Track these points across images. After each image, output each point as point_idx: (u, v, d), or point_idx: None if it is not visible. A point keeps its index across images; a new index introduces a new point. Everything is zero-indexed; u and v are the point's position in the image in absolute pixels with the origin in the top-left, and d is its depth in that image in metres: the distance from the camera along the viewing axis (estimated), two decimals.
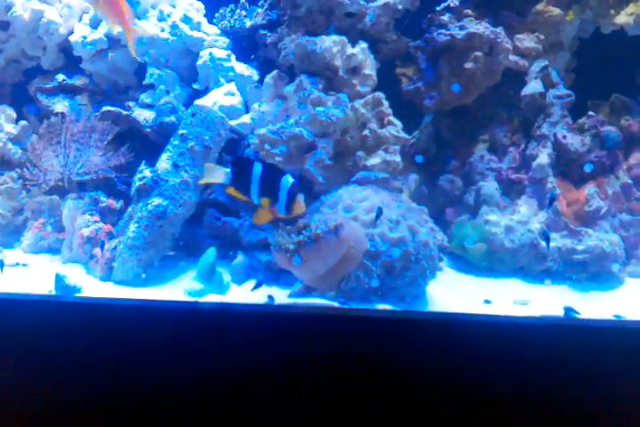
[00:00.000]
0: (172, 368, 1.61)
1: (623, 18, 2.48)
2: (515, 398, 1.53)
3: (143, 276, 2.17)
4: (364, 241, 1.97)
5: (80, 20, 2.82)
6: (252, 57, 2.84)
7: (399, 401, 1.55)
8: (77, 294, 2.03)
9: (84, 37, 2.70)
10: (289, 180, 1.82)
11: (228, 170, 1.87)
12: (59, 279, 2.01)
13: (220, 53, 2.68)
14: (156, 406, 1.57)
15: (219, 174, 1.88)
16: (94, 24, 2.75)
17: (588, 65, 2.82)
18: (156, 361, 1.62)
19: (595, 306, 2.04)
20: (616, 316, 1.89)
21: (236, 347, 1.60)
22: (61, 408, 1.60)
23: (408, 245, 1.98)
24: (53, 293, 2.03)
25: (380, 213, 1.94)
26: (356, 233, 1.95)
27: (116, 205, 2.45)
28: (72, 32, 2.77)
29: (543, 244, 2.19)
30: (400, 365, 1.56)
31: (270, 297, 1.89)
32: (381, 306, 1.94)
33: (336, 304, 1.88)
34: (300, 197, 1.82)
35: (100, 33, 2.72)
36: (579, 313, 1.77)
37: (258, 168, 1.84)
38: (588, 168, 2.25)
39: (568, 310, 1.76)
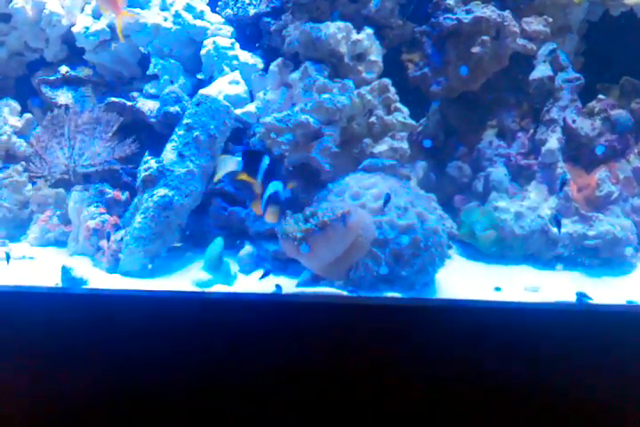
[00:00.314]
0: (180, 359, 1.60)
1: None
2: (530, 387, 1.51)
3: (150, 267, 2.15)
4: (372, 229, 1.94)
5: (82, 10, 2.79)
6: (257, 45, 2.81)
7: (409, 388, 1.54)
8: (84, 287, 2.02)
9: (87, 28, 2.68)
10: (276, 184, 1.85)
11: (239, 158, 1.91)
12: (65, 272, 2.00)
13: (224, 42, 2.65)
14: (159, 399, 1.55)
15: (230, 163, 1.90)
16: (97, 15, 2.73)
17: (598, 48, 2.78)
18: (163, 353, 1.61)
19: (607, 291, 2.02)
20: (629, 301, 1.86)
21: (243, 336, 1.58)
22: (67, 403, 1.59)
23: (417, 233, 1.95)
24: (60, 285, 2.02)
25: (387, 199, 1.91)
26: (364, 221, 1.93)
27: (122, 196, 2.43)
28: (74, 23, 2.75)
29: (554, 229, 2.16)
30: (409, 352, 1.54)
31: (278, 286, 1.87)
32: (390, 294, 1.92)
33: (345, 293, 1.86)
34: (275, 209, 1.82)
35: (102, 24, 2.69)
36: (591, 298, 1.75)
37: (265, 161, 1.89)
38: (599, 151, 2.21)
39: (581, 295, 1.74)
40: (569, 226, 2.21)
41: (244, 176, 1.91)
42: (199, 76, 2.77)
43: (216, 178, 1.97)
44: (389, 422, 1.53)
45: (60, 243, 2.51)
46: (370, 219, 1.95)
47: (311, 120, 2.22)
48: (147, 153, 2.34)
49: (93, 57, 2.74)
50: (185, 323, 1.61)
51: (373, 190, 2.03)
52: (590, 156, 2.37)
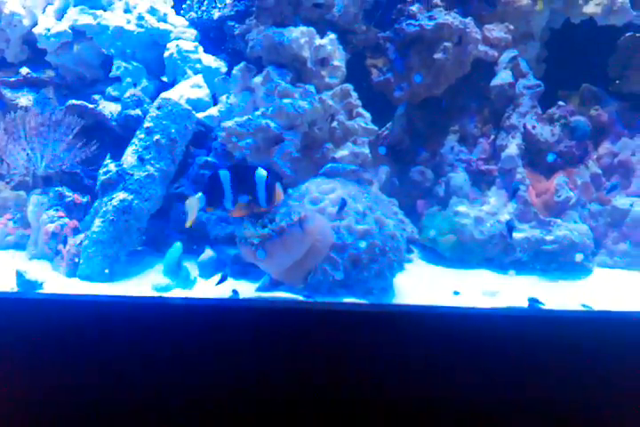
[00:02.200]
0: (132, 364, 1.59)
1: (591, 8, 2.47)
2: (480, 392, 1.52)
3: (107, 271, 2.13)
4: (331, 234, 1.95)
5: (44, 11, 2.76)
6: (222, 48, 2.80)
7: (364, 395, 1.54)
8: (39, 290, 1.99)
9: (48, 29, 2.65)
10: (262, 173, 1.85)
11: (199, 194, 1.89)
12: (19, 275, 1.97)
13: (187, 45, 2.64)
14: (107, 401, 1.54)
15: (194, 202, 1.89)
16: (59, 16, 2.70)
17: (560, 55, 2.82)
18: (115, 357, 1.59)
19: (563, 296, 2.04)
20: (583, 305, 1.89)
21: (197, 341, 1.57)
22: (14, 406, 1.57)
23: (375, 238, 1.96)
24: (16, 289, 2.00)
25: (343, 204, 1.92)
26: (322, 226, 1.93)
27: (82, 199, 2.40)
28: (36, 24, 2.71)
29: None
30: (363, 357, 1.54)
31: (234, 291, 1.86)
32: (348, 299, 1.93)
33: (301, 298, 1.86)
34: (279, 186, 1.88)
35: (64, 25, 2.66)
36: (543, 304, 1.77)
37: (225, 175, 1.87)
38: (550, 158, 2.24)
39: (533, 301, 1.76)
40: (527, 231, 2.24)
41: (209, 209, 1.94)
42: (164, 79, 2.75)
43: (187, 224, 1.95)
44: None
45: (19, 246, 2.47)
46: (328, 224, 1.95)
47: (272, 125, 2.22)
48: (108, 156, 2.31)
49: (55, 58, 2.71)
50: (139, 326, 1.60)
51: (332, 195, 2.04)
52: (549, 161, 2.40)
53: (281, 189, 1.90)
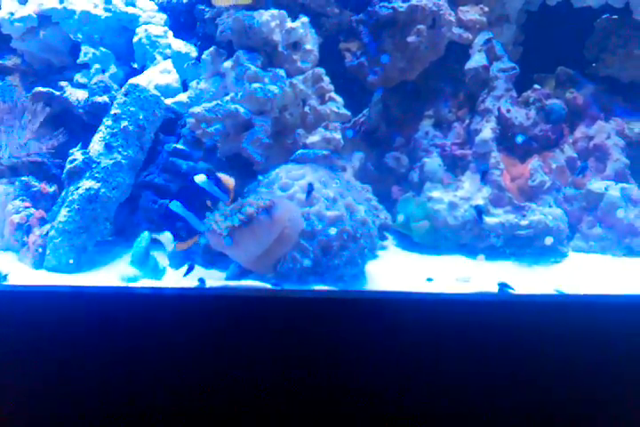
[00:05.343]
0: (101, 356, 1.55)
1: None
2: (457, 380, 1.50)
3: (71, 262, 2.08)
4: (300, 220, 1.91)
5: None
6: (193, 32, 2.74)
7: (334, 386, 1.51)
8: (2, 282, 1.94)
9: (12, 14, 2.58)
10: (201, 178, 1.87)
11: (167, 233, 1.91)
12: None
13: (157, 30, 2.58)
14: (69, 398, 1.51)
15: (167, 241, 1.91)
16: (22, 0, 2.62)
17: (537, 38, 2.78)
18: (83, 350, 1.56)
19: (537, 281, 2.03)
20: (557, 290, 1.87)
21: (163, 332, 1.54)
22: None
23: (345, 224, 1.92)
24: None
25: (310, 190, 1.88)
26: (291, 212, 1.89)
27: (49, 189, 2.35)
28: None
29: (485, 219, 2.16)
30: (332, 345, 1.52)
31: (201, 280, 1.83)
32: (319, 286, 1.89)
33: (269, 286, 1.82)
34: (222, 174, 1.90)
35: (29, 9, 2.59)
36: (513, 289, 1.75)
37: (176, 205, 1.89)
38: (519, 139, 2.21)
39: (503, 285, 1.73)
40: (502, 216, 2.21)
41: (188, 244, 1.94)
42: (134, 65, 2.69)
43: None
44: None
45: None
46: (297, 210, 1.92)
47: (241, 110, 2.18)
48: (80, 145, 2.26)
49: (21, 44, 2.65)
50: (106, 317, 1.57)
51: (302, 181, 2.00)
52: (524, 145, 2.37)
53: (226, 175, 1.90)
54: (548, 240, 2.03)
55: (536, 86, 2.49)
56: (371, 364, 1.52)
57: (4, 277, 1.96)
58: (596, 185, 2.27)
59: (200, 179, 1.85)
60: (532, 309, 1.55)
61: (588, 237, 2.26)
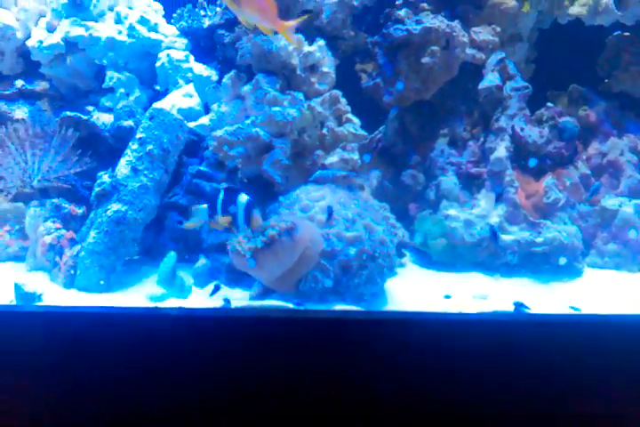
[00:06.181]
0: (130, 374, 1.62)
1: (577, 8, 2.48)
2: (474, 396, 1.54)
3: (102, 282, 2.16)
4: (320, 241, 1.98)
5: (37, 24, 2.79)
6: (214, 56, 2.83)
7: (357, 403, 1.56)
8: (38, 303, 2.03)
9: (41, 42, 2.68)
10: (243, 198, 1.90)
11: (204, 206, 1.96)
12: (17, 288, 2.01)
13: (178, 55, 2.67)
14: (108, 411, 1.57)
15: (199, 214, 1.96)
16: (51, 28, 2.73)
17: (549, 55, 2.83)
18: (114, 367, 1.62)
19: (553, 298, 2.07)
20: (572, 307, 1.91)
21: (191, 352, 1.60)
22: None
23: (364, 244, 1.99)
24: (14, 301, 2.03)
25: (330, 212, 1.94)
26: (312, 233, 1.96)
27: (78, 211, 2.44)
28: (29, 36, 2.75)
29: (502, 237, 2.21)
30: (355, 364, 1.57)
31: (226, 300, 1.90)
32: (339, 306, 1.96)
33: (291, 306, 1.89)
34: (257, 213, 1.90)
35: (57, 37, 2.69)
36: (529, 308, 1.79)
37: (221, 195, 1.94)
38: (532, 163, 2.26)
39: (518, 305, 1.78)
40: (517, 233, 2.26)
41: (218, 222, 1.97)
42: (157, 88, 2.78)
43: (188, 226, 2.02)
44: None
45: (19, 258, 2.50)
46: (317, 231, 1.98)
47: (261, 133, 2.25)
48: (110, 170, 2.35)
49: (49, 70, 2.75)
50: (135, 338, 1.63)
51: (322, 202, 2.07)
52: (539, 163, 2.42)
53: (259, 215, 1.92)
54: (562, 260, 2.07)
55: (549, 104, 2.53)
56: (394, 383, 1.57)
57: (39, 297, 2.05)
58: (610, 202, 2.31)
59: (242, 198, 1.89)
60: (547, 329, 1.60)
61: (603, 254, 2.31)
